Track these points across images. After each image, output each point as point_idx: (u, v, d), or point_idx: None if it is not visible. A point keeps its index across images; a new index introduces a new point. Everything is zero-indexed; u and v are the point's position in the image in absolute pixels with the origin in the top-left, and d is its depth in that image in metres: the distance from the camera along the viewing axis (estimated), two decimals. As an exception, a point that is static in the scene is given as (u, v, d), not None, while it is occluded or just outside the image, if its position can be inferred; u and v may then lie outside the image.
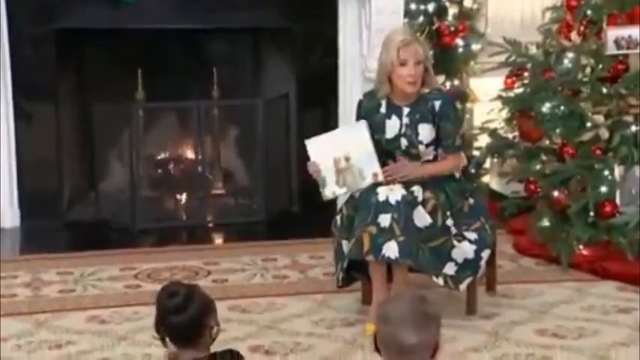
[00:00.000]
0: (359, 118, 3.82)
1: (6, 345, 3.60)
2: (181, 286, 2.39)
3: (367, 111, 3.79)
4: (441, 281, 3.68)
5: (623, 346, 3.57)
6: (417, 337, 2.04)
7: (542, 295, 4.16)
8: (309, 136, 3.84)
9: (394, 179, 3.69)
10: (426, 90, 3.74)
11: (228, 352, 2.41)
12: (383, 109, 3.77)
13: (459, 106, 5.06)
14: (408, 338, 2.03)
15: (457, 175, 3.85)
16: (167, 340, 2.36)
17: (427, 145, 3.75)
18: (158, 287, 4.15)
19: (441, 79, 5.27)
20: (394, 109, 3.75)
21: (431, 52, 5.15)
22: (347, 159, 3.72)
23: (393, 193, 3.58)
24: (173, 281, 2.50)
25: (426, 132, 3.73)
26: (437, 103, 3.72)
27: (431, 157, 3.79)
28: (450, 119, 3.74)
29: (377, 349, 2.12)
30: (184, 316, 2.32)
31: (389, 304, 2.11)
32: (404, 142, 3.75)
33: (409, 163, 3.75)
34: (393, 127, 3.76)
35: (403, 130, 3.75)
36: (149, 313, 3.90)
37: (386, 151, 3.79)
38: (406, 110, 3.74)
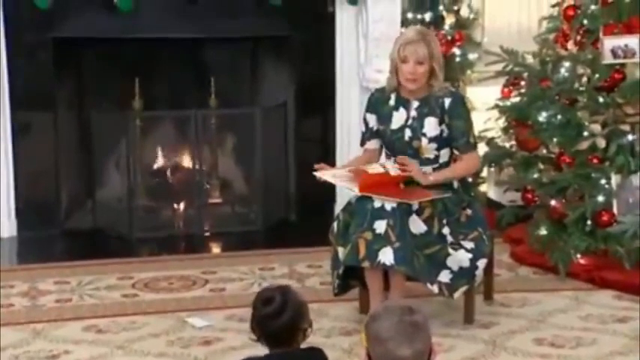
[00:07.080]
0: (368, 109, 3.89)
1: (3, 355, 3.60)
2: (276, 292, 2.46)
3: (376, 102, 3.87)
4: (435, 289, 3.68)
5: (620, 355, 3.58)
6: (410, 349, 2.06)
7: (540, 304, 4.16)
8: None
9: (404, 170, 3.67)
10: (436, 89, 3.77)
11: (309, 349, 2.49)
12: (392, 102, 3.82)
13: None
14: (403, 352, 2.05)
15: (455, 184, 3.84)
16: (262, 340, 2.45)
17: (430, 140, 3.76)
18: (155, 297, 4.28)
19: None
20: (403, 102, 3.81)
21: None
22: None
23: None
24: (268, 286, 2.56)
25: (431, 126, 3.76)
26: (447, 101, 3.75)
27: (432, 156, 3.79)
28: (461, 116, 3.77)
29: None
30: (279, 322, 2.41)
31: (376, 322, 2.11)
32: (408, 132, 3.78)
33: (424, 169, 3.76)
34: (399, 118, 3.81)
35: (409, 122, 3.79)
36: (146, 322, 3.94)
37: (388, 145, 3.82)
38: (415, 104, 3.79)
